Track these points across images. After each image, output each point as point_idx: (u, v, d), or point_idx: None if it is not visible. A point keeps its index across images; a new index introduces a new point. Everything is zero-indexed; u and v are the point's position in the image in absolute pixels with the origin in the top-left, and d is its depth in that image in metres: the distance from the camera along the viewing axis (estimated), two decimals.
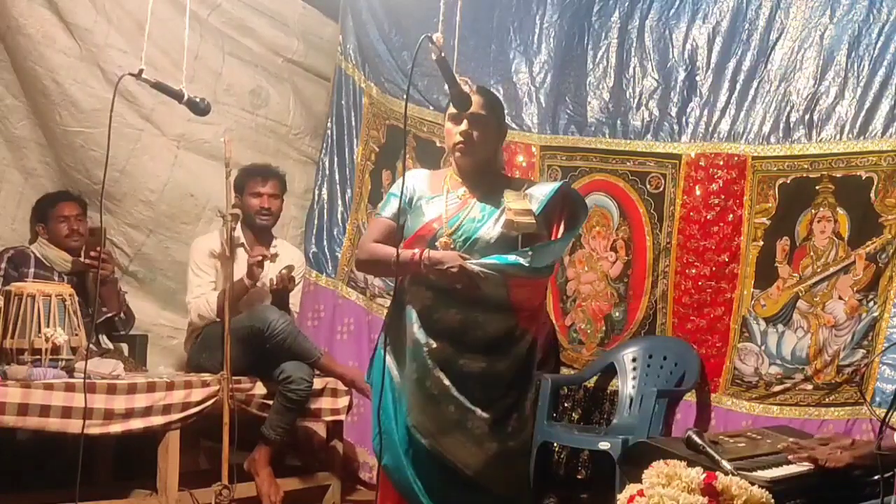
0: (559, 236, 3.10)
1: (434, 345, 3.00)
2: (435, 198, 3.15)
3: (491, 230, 3.05)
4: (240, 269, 4.31)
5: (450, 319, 3.01)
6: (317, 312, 5.34)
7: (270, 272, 4.45)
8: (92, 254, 4.12)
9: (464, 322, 3.00)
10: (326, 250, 5.40)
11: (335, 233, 5.42)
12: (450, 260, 2.98)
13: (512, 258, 2.99)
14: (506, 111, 3.40)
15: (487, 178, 3.14)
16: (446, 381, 2.98)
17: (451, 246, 3.04)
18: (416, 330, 3.03)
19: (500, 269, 2.97)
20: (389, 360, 3.09)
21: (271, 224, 4.58)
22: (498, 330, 3.02)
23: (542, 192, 3.11)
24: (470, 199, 3.11)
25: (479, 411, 2.98)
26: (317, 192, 5.48)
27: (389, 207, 3.18)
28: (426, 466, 3.02)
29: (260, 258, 4.30)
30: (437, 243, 3.06)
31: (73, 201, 4.37)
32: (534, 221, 3.00)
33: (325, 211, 5.44)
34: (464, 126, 3.08)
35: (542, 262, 3.04)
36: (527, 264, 2.98)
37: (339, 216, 5.43)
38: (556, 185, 3.18)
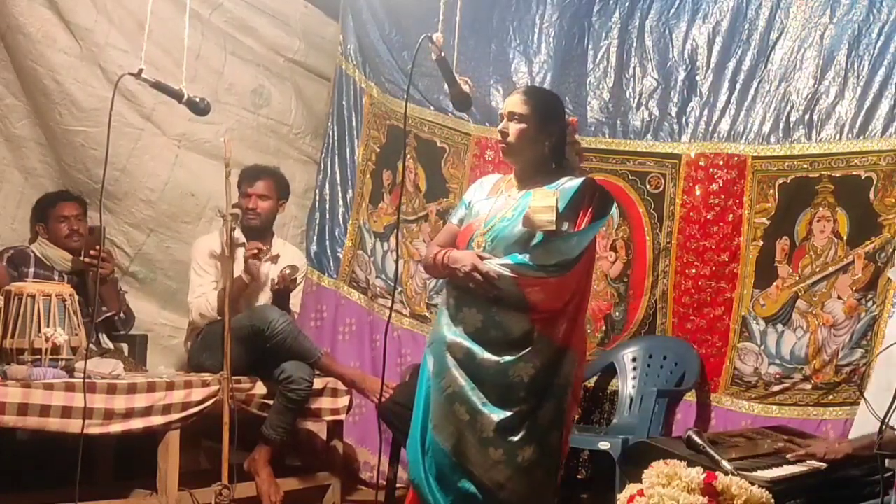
0: (568, 233, 3.01)
1: (453, 342, 2.99)
2: (489, 199, 3.16)
3: (514, 229, 3.01)
4: (240, 269, 4.31)
5: (472, 319, 2.99)
6: (319, 313, 5.35)
7: (272, 272, 4.45)
8: (91, 252, 4.12)
9: (484, 322, 2.98)
10: (328, 251, 5.40)
11: (336, 233, 5.42)
12: (463, 260, 2.98)
13: (520, 257, 2.96)
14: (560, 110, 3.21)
15: (539, 178, 3.09)
16: (461, 381, 2.97)
17: (483, 245, 3.04)
18: (443, 328, 3.04)
19: (511, 269, 2.94)
20: (429, 358, 3.09)
21: (259, 225, 4.51)
22: (515, 332, 2.97)
23: (568, 187, 3.03)
24: (512, 200, 3.10)
25: (487, 413, 2.94)
26: (318, 192, 5.48)
27: (457, 213, 3.26)
28: (441, 467, 3.00)
29: (255, 251, 4.29)
30: (472, 243, 3.07)
31: (73, 201, 4.37)
32: (552, 219, 2.91)
33: (327, 211, 5.45)
34: (501, 125, 3.10)
35: (547, 259, 2.96)
36: (531, 263, 2.95)
37: (341, 216, 5.44)
38: (579, 180, 3.06)
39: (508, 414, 2.96)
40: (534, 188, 3.04)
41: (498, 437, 2.95)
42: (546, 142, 3.10)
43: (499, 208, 3.10)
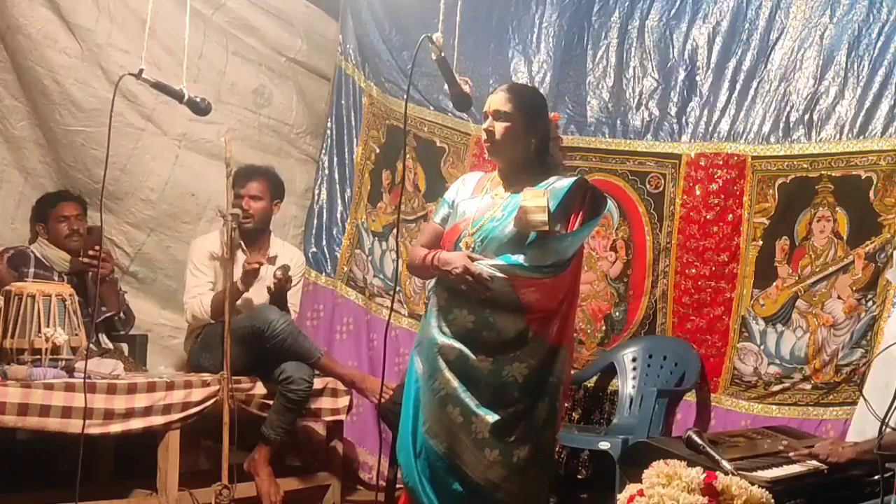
0: (564, 232, 3.01)
1: (444, 344, 2.97)
2: (474, 198, 3.13)
3: (505, 229, 3.00)
4: (239, 271, 4.30)
5: (463, 320, 2.97)
6: (316, 312, 5.34)
7: (268, 273, 4.44)
8: (91, 253, 4.11)
9: (476, 323, 2.96)
10: (326, 250, 5.40)
11: (334, 232, 5.42)
12: (455, 261, 2.96)
13: (514, 258, 2.95)
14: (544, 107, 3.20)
15: (525, 177, 3.07)
16: (454, 383, 2.94)
17: (472, 246, 3.02)
18: (432, 329, 3.00)
19: (504, 270, 2.93)
20: (417, 360, 3.06)
21: (253, 226, 4.47)
22: (509, 332, 2.95)
23: (559, 187, 3.02)
24: (499, 200, 3.07)
25: (482, 414, 2.93)
26: (316, 191, 5.48)
27: (439, 212, 3.23)
28: (435, 470, 2.98)
29: (256, 266, 4.25)
30: (460, 244, 3.05)
31: (74, 201, 4.37)
32: (545, 219, 2.90)
33: (325, 210, 5.45)
34: (486, 123, 3.06)
35: (543, 259, 2.96)
36: (526, 264, 2.94)
37: (339, 216, 5.44)
38: (571, 180, 3.06)
39: (503, 415, 2.95)
40: (521, 187, 3.02)
41: (493, 438, 2.93)
42: (532, 139, 3.08)
43: (485, 208, 3.07)
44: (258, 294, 4.47)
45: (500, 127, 3.04)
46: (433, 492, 2.99)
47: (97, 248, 4.07)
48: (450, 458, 2.95)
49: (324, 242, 5.41)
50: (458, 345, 2.96)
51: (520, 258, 2.95)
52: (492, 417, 2.93)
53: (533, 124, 3.08)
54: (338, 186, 5.46)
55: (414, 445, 3.02)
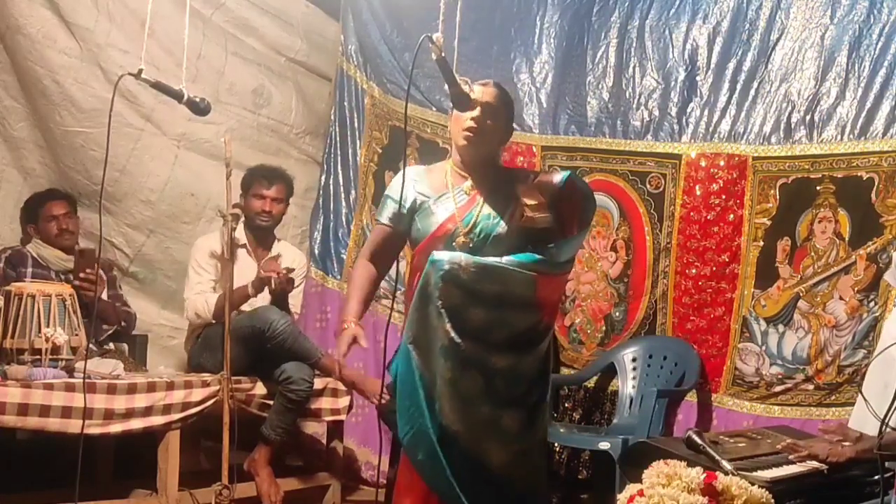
0: (576, 230, 3.06)
1: (465, 344, 2.92)
2: (442, 196, 3.11)
3: (508, 227, 3.01)
4: (240, 270, 4.29)
5: (478, 318, 2.95)
6: (324, 314, 5.34)
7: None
8: (81, 275, 4.08)
9: (491, 321, 2.95)
10: (332, 252, 5.40)
11: (340, 234, 5.42)
12: (340, 346, 3.15)
13: (537, 255, 2.97)
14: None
15: (492, 172, 3.11)
16: (480, 381, 2.94)
17: (469, 245, 3.01)
18: (449, 328, 2.93)
19: (530, 267, 2.94)
20: (416, 356, 2.98)
21: (270, 226, 4.57)
22: (524, 327, 2.98)
23: (550, 181, 3.07)
24: (478, 196, 3.06)
25: (510, 409, 2.96)
26: (321, 193, 5.48)
27: (384, 212, 3.19)
28: (459, 463, 2.95)
29: (274, 275, 4.28)
30: (453, 244, 3.02)
31: (61, 199, 4.34)
32: (548, 216, 2.97)
33: (331, 213, 5.45)
34: (476, 112, 3.03)
35: (565, 256, 3.04)
36: (550, 260, 2.98)
37: (344, 218, 5.44)
38: (564, 175, 3.09)
39: (527, 406, 2.99)
40: (491, 185, 3.06)
41: (520, 431, 2.96)
42: (504, 137, 3.16)
43: (468, 205, 3.06)
44: (260, 295, 4.48)
45: (487, 118, 3.04)
46: (458, 484, 2.97)
47: (87, 270, 4.04)
48: (474, 452, 2.94)
49: (330, 244, 5.41)
50: (477, 343, 2.94)
51: (542, 255, 2.98)
52: (519, 411, 2.97)
53: (508, 124, 3.17)
54: (342, 188, 5.45)
55: (436, 441, 2.97)
